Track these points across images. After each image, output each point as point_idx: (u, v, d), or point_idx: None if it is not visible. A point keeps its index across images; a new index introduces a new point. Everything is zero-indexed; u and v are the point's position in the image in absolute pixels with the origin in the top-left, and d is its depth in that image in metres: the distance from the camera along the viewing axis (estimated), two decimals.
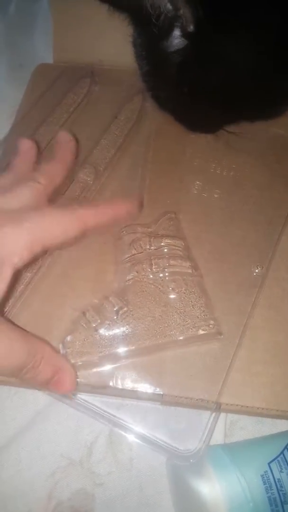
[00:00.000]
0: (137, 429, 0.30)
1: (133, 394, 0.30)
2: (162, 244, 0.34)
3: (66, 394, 0.30)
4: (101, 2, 0.32)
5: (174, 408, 0.32)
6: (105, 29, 0.47)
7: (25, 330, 0.30)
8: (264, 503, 0.27)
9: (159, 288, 0.32)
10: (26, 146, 0.37)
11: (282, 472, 0.28)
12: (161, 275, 0.33)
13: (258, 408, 0.30)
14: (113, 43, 0.47)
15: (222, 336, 0.31)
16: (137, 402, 0.31)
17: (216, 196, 0.38)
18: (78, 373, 0.30)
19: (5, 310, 0.32)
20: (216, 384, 0.30)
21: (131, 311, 0.31)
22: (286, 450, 0.29)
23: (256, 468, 0.28)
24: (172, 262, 0.33)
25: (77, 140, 0.40)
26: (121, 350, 0.30)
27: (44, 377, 0.28)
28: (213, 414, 0.30)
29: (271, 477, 0.28)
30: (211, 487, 0.28)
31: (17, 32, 0.54)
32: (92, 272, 0.34)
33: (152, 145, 0.42)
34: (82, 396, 0.31)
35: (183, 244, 0.34)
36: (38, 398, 0.33)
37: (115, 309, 0.31)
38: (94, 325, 0.30)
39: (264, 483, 0.28)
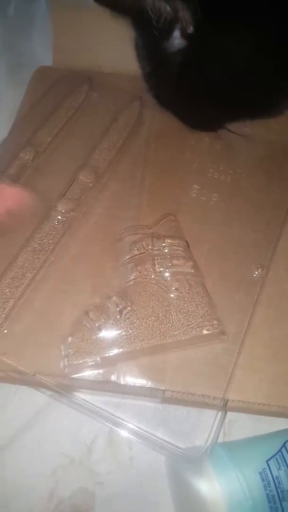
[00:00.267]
0: (137, 427, 0.30)
1: (135, 390, 0.31)
2: (164, 244, 0.34)
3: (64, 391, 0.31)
4: (104, 7, 0.33)
5: (174, 408, 0.32)
6: (104, 34, 0.48)
7: None
8: (263, 500, 0.28)
9: (162, 288, 0.32)
10: None
11: (280, 469, 0.29)
12: (164, 275, 0.33)
13: (260, 404, 0.31)
14: (112, 49, 0.48)
15: (225, 337, 0.32)
16: (137, 401, 0.31)
17: (214, 199, 0.39)
18: (80, 372, 0.30)
19: (6, 310, 0.32)
20: (222, 382, 0.30)
21: (134, 310, 0.32)
22: (284, 448, 0.30)
23: (254, 466, 0.29)
24: (175, 262, 0.33)
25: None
26: (125, 349, 0.31)
27: None
28: (220, 413, 0.30)
29: (269, 474, 0.28)
30: (210, 485, 0.28)
31: (15, 33, 0.54)
32: (92, 269, 0.35)
33: (151, 149, 0.42)
34: (81, 396, 0.31)
35: (185, 244, 0.35)
36: (38, 398, 0.33)
37: (118, 308, 0.31)
38: (97, 325, 0.31)
39: (263, 480, 0.28)
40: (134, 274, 0.33)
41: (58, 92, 0.46)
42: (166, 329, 0.31)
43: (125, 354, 0.31)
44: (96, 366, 0.30)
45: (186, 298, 0.32)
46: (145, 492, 0.31)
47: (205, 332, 0.31)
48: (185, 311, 0.32)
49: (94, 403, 0.31)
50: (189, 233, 0.36)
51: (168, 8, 0.30)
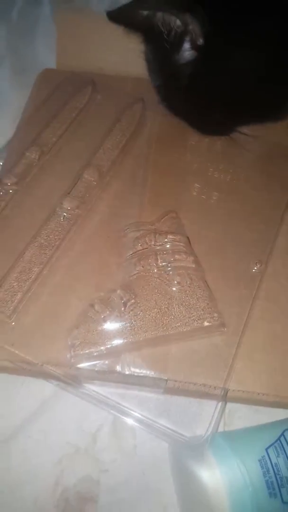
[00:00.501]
0: (141, 416, 0.31)
1: (138, 380, 0.32)
2: (166, 240, 0.35)
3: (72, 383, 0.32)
4: (117, 24, 0.34)
5: (175, 398, 0.33)
6: (106, 37, 0.49)
7: None
8: (262, 486, 0.29)
9: (165, 282, 0.33)
10: None
11: (279, 457, 0.30)
12: (166, 269, 0.34)
13: (259, 394, 0.32)
14: (114, 51, 0.49)
15: (225, 329, 0.33)
16: (140, 392, 0.32)
17: (214, 198, 0.40)
18: (86, 362, 0.31)
19: (15, 303, 0.33)
20: (222, 372, 0.31)
21: (138, 303, 0.32)
22: (282, 436, 0.31)
23: (254, 453, 0.30)
24: (177, 257, 0.34)
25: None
26: (129, 340, 0.31)
27: None
28: (220, 402, 0.31)
29: (268, 462, 0.29)
30: (211, 473, 0.29)
31: (19, 37, 0.56)
32: (96, 264, 0.36)
33: (152, 149, 0.43)
34: (87, 385, 0.32)
35: (186, 240, 0.36)
36: (44, 389, 0.35)
37: (123, 301, 0.32)
38: (102, 316, 0.32)
39: (262, 467, 0.29)
40: (137, 269, 0.34)
41: (62, 94, 0.47)
42: (168, 321, 0.32)
43: (129, 345, 0.32)
44: (101, 356, 0.31)
45: (187, 292, 0.33)
46: (148, 480, 0.32)
47: (206, 324, 0.32)
48: (186, 304, 0.33)
49: (99, 392, 0.32)
50: (190, 229, 0.37)
51: (178, 21, 0.31)
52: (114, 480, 0.32)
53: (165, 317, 0.32)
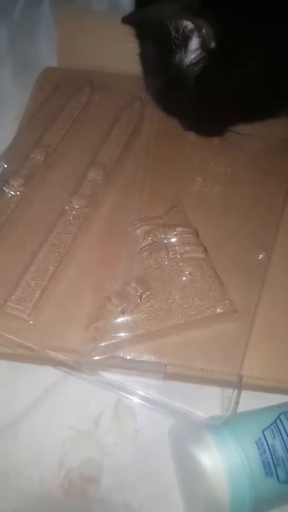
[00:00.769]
0: (151, 395, 0.32)
1: (153, 367, 0.33)
2: (175, 233, 0.36)
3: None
4: (129, 26, 0.35)
5: (177, 384, 0.34)
6: (105, 36, 0.50)
7: None
8: (259, 466, 0.30)
9: (177, 273, 0.35)
10: None
11: (275, 438, 0.31)
12: (178, 261, 0.35)
13: (272, 381, 0.33)
14: (113, 50, 0.50)
15: (237, 315, 0.34)
16: (152, 379, 0.34)
17: (216, 190, 0.41)
18: (106, 354, 0.32)
19: (34, 302, 0.34)
20: (236, 358, 0.33)
21: (153, 294, 0.34)
22: (278, 419, 0.32)
23: (251, 436, 0.31)
24: (187, 248, 0.36)
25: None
26: (147, 330, 0.33)
27: None
28: (238, 382, 0.33)
29: (265, 443, 0.31)
30: (210, 455, 0.30)
31: (21, 37, 0.57)
32: (108, 260, 0.37)
33: (152, 145, 0.45)
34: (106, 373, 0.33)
35: (194, 232, 0.37)
36: (48, 375, 0.36)
37: (138, 293, 0.33)
38: (120, 309, 0.33)
39: (259, 448, 0.30)
40: (149, 262, 0.35)
41: (61, 95, 0.48)
42: (183, 310, 0.33)
43: (147, 335, 0.33)
44: (120, 347, 0.32)
45: (199, 281, 0.34)
46: (149, 462, 0.34)
47: (219, 310, 0.33)
48: (199, 293, 0.34)
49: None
50: (195, 222, 0.38)
51: (187, 23, 0.32)
52: (116, 462, 0.33)
53: (180, 307, 0.33)
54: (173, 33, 0.33)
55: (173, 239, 0.36)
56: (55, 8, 0.56)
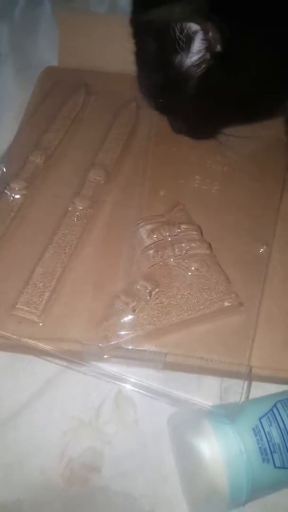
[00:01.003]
0: (152, 385, 0.33)
1: (156, 357, 0.33)
2: (179, 230, 0.37)
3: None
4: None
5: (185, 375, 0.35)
6: (106, 36, 0.51)
7: None
8: (256, 453, 0.31)
9: (183, 270, 0.36)
10: None
11: (271, 426, 0.32)
12: (184, 257, 0.36)
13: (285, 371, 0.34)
14: (113, 49, 0.51)
15: (243, 308, 0.35)
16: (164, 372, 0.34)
17: (215, 187, 0.42)
18: (118, 352, 0.33)
19: (43, 303, 0.35)
20: (245, 350, 0.34)
21: (162, 291, 0.35)
22: (274, 407, 0.33)
23: (248, 423, 0.32)
24: (192, 245, 0.36)
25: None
26: (157, 327, 0.33)
27: None
28: (248, 373, 0.33)
29: (261, 430, 0.31)
30: (209, 442, 0.31)
31: (22, 36, 0.57)
32: (114, 259, 0.37)
33: (151, 144, 0.45)
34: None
35: (198, 228, 0.38)
36: (49, 367, 0.36)
37: (147, 290, 0.34)
38: (131, 306, 0.34)
39: (256, 435, 0.31)
40: (155, 259, 0.36)
41: (57, 96, 0.49)
42: (192, 305, 0.34)
43: (157, 331, 0.33)
44: (132, 343, 0.33)
45: (206, 276, 0.35)
46: (149, 451, 0.34)
47: (226, 304, 0.34)
48: (206, 287, 0.35)
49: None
50: (196, 219, 0.39)
51: (198, 27, 0.33)
52: (117, 451, 0.34)
53: (189, 302, 0.34)
54: (179, 34, 0.33)
55: (178, 236, 0.37)
56: (56, 8, 0.56)
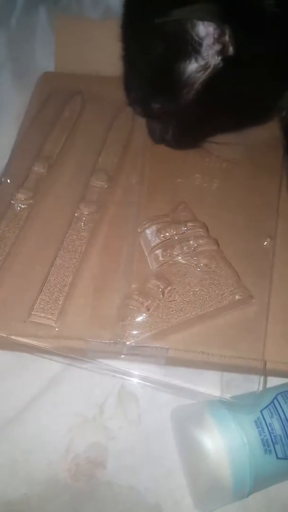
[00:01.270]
0: (166, 379, 0.34)
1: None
2: (186, 228, 0.38)
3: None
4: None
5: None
6: (101, 41, 0.51)
7: None
8: (258, 444, 0.31)
9: (193, 267, 0.36)
10: None
11: (273, 417, 0.32)
12: (192, 255, 0.37)
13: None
14: (109, 55, 0.51)
15: (254, 300, 0.35)
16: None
17: (216, 185, 0.43)
18: (136, 350, 0.33)
19: (59, 309, 0.35)
20: (259, 344, 0.34)
21: (174, 289, 0.35)
22: (275, 399, 0.33)
23: (250, 415, 0.32)
24: (200, 241, 0.37)
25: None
26: (172, 324, 0.34)
27: None
28: (262, 377, 0.33)
29: (263, 422, 0.32)
30: (212, 435, 0.31)
31: (19, 43, 0.58)
32: (122, 261, 0.38)
33: (149, 146, 0.45)
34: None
35: (204, 225, 0.38)
36: (52, 365, 0.37)
37: (160, 289, 0.35)
38: (145, 306, 0.34)
39: (258, 427, 0.32)
40: (164, 258, 0.37)
41: (54, 104, 0.50)
42: (204, 301, 0.35)
43: (173, 328, 0.34)
44: (148, 342, 0.34)
45: (216, 272, 0.36)
46: (153, 445, 0.35)
47: (237, 297, 0.35)
48: (216, 282, 0.35)
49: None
50: (199, 216, 0.40)
51: (214, 30, 0.33)
52: (121, 446, 0.35)
53: (201, 298, 0.35)
54: (195, 35, 0.33)
55: (185, 235, 0.38)
56: (52, 14, 0.57)
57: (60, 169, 0.45)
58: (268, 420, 0.32)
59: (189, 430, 0.33)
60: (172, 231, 0.38)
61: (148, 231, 0.39)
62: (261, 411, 0.33)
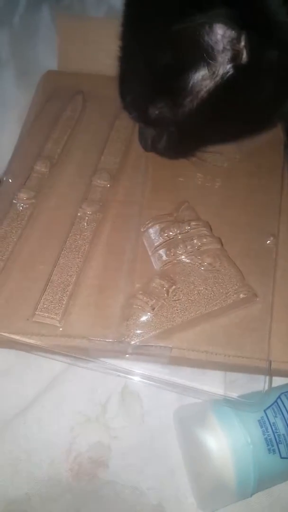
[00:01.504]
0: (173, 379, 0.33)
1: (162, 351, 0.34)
2: (189, 227, 0.38)
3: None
4: None
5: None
6: (104, 40, 0.51)
7: None
8: (262, 443, 0.31)
9: (197, 266, 0.36)
10: None
11: (276, 417, 0.32)
12: (196, 254, 0.36)
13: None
14: (112, 54, 0.52)
15: (258, 298, 0.35)
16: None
17: (218, 184, 0.43)
18: (141, 350, 0.33)
19: (63, 308, 0.35)
20: (264, 343, 0.34)
21: (178, 288, 0.35)
22: (279, 399, 0.33)
23: (253, 415, 0.32)
24: (204, 240, 0.37)
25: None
26: (177, 323, 0.34)
27: None
28: (268, 376, 0.33)
29: (267, 421, 0.32)
30: (215, 434, 0.31)
31: (22, 41, 0.58)
32: (126, 260, 0.38)
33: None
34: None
35: (207, 224, 0.38)
36: (54, 365, 0.37)
37: (164, 288, 0.35)
38: (150, 305, 0.34)
39: (261, 427, 0.32)
40: (168, 258, 0.37)
41: (56, 103, 0.49)
42: (209, 300, 0.35)
43: (177, 327, 0.34)
44: (153, 341, 0.33)
45: (220, 271, 0.36)
46: (156, 445, 0.35)
47: (242, 296, 0.35)
48: (221, 281, 0.35)
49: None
50: (202, 215, 0.40)
51: (231, 36, 0.32)
52: (124, 445, 0.35)
53: (205, 297, 0.35)
54: (209, 41, 0.32)
55: (189, 234, 0.38)
56: (55, 13, 0.57)
57: (62, 169, 0.44)
58: (272, 420, 0.32)
59: (193, 429, 0.33)
60: (175, 230, 0.38)
61: (151, 230, 0.39)
62: (264, 411, 0.33)
